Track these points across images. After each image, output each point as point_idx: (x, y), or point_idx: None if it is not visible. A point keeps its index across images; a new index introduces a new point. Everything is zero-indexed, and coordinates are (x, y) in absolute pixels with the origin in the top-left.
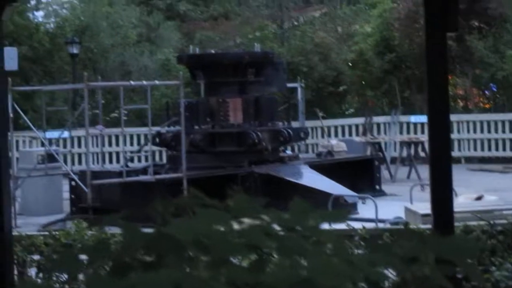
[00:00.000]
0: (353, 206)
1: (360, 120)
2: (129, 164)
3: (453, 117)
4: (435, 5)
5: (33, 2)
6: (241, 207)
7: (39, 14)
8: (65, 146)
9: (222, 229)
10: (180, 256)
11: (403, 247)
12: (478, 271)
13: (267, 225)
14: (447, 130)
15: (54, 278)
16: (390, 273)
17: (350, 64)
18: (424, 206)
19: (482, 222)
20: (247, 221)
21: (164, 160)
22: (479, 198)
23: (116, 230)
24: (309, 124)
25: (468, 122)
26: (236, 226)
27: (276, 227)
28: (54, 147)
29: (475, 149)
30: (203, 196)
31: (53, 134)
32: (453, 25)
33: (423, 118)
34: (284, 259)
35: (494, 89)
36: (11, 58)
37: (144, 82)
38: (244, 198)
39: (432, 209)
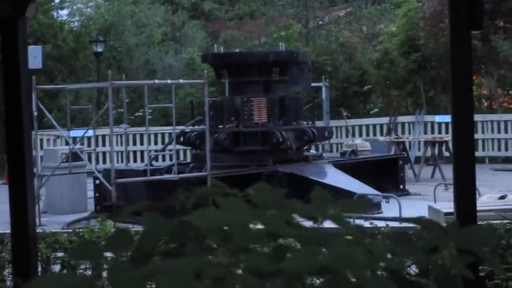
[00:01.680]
0: (377, 205)
1: (384, 120)
2: (153, 162)
3: (477, 117)
4: (460, 3)
5: (57, 1)
6: (262, 197)
7: (64, 13)
8: (89, 145)
9: (242, 217)
10: (201, 244)
11: (424, 238)
12: (498, 261)
13: (288, 214)
14: (471, 130)
15: (78, 275)
16: (411, 264)
17: (375, 64)
18: (448, 205)
19: (505, 221)
20: (268, 210)
21: (189, 159)
22: (502, 198)
23: (139, 228)
24: (333, 123)
25: (492, 122)
26: (257, 215)
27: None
28: (78, 146)
29: (499, 149)
30: (224, 186)
31: (77, 132)
32: (478, 24)
33: (448, 118)
34: (304, 247)
35: None
36: (36, 56)
37: (169, 81)
38: (265, 187)
39: (455, 208)
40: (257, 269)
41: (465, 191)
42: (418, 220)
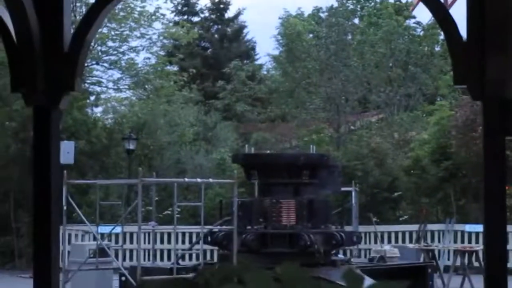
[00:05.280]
0: None
1: (414, 227)
2: (180, 261)
3: (510, 228)
4: (494, 109)
5: (92, 98)
6: (290, 276)
7: (98, 110)
8: (117, 241)
9: None
10: None
11: None
12: None
13: None
14: (503, 240)
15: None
16: None
17: (406, 171)
18: None
19: None
20: None
21: (215, 259)
22: None
23: None
24: (362, 229)
25: None
26: None
27: None
28: (106, 242)
29: None
30: (250, 263)
31: (105, 228)
32: None
33: (478, 227)
34: None
35: None
36: (68, 151)
37: (199, 180)
38: (294, 266)
39: None
40: None
41: None
42: None
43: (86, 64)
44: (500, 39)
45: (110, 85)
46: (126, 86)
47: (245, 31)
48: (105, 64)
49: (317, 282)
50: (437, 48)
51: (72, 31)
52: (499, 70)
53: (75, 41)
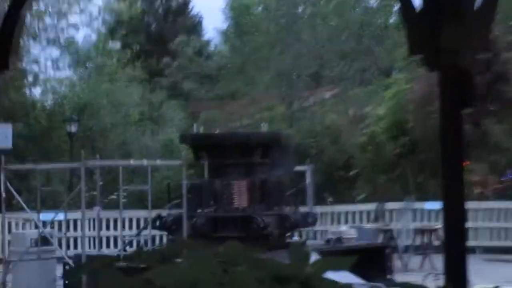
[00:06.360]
0: None
1: (371, 206)
2: (128, 248)
3: (469, 205)
4: (450, 82)
5: (30, 78)
6: (232, 254)
7: (37, 91)
8: (60, 229)
9: (208, 275)
10: None
11: None
12: None
13: (261, 273)
14: (462, 218)
15: None
16: None
17: (362, 148)
18: None
19: None
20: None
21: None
22: None
23: None
24: (318, 209)
25: (485, 210)
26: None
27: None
28: (48, 230)
29: (491, 239)
30: (193, 242)
31: (47, 216)
32: (469, 102)
33: (438, 205)
34: None
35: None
36: (6, 136)
37: (145, 162)
38: (237, 245)
39: None
40: None
41: (457, 283)
42: None
43: (21, 42)
44: (455, 7)
45: (49, 64)
46: (66, 65)
47: (190, 5)
48: (43, 42)
49: (261, 260)
50: (391, 20)
51: (5, 6)
52: (455, 38)
53: (8, 16)
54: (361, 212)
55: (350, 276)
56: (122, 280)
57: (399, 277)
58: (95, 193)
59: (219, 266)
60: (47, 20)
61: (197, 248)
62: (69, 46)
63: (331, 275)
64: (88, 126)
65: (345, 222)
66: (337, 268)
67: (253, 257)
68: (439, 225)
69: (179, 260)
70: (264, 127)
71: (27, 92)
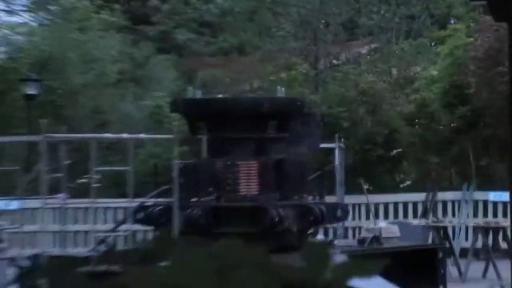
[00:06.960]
0: None
1: (419, 197)
2: (101, 247)
3: None
4: None
5: None
6: (231, 255)
7: None
8: (13, 222)
9: (198, 282)
10: None
11: None
12: None
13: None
14: None
15: None
16: None
17: (408, 120)
18: None
19: None
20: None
21: None
22: None
23: None
24: (349, 199)
25: None
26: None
27: None
28: None
29: None
30: (183, 238)
31: None
32: None
33: (506, 196)
34: None
35: None
36: None
37: (125, 136)
38: (237, 242)
39: None
40: None
41: None
42: None
43: None
44: None
45: (0, 6)
46: (23, 8)
47: None
48: None
49: (265, 263)
50: None
51: None
52: None
53: None
54: (405, 204)
55: (387, 286)
56: (89, 286)
57: None
58: (60, 175)
59: (213, 270)
60: None
61: (186, 246)
62: None
63: (363, 283)
64: (52, 88)
65: (385, 216)
66: (364, 273)
67: (258, 259)
68: (507, 221)
69: (162, 262)
70: (281, 92)
71: None
